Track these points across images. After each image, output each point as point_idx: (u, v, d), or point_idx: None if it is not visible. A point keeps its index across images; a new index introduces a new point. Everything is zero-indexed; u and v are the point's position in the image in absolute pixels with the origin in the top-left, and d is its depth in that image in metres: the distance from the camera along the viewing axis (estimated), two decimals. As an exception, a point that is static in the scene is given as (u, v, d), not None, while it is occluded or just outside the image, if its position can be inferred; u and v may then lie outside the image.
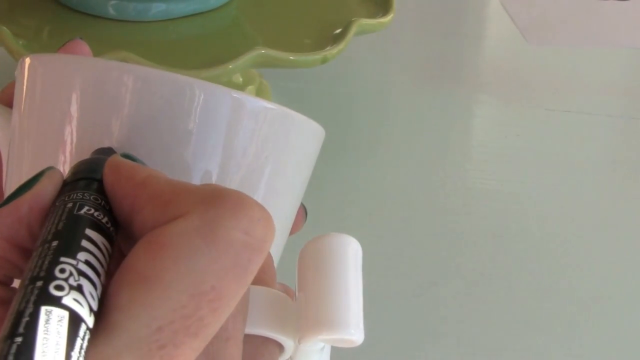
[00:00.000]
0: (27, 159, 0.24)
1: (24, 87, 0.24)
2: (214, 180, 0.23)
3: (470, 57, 0.81)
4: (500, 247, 0.54)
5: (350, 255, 0.23)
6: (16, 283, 0.19)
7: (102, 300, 0.17)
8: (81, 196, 0.19)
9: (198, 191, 0.19)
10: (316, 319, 0.21)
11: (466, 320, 0.48)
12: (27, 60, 0.24)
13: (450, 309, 0.49)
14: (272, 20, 0.59)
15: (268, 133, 0.23)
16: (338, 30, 0.55)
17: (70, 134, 0.23)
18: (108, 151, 0.22)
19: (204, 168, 0.22)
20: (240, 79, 0.61)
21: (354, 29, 0.54)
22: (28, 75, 0.24)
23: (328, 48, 0.53)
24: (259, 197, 0.24)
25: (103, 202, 0.19)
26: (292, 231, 0.28)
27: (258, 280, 0.22)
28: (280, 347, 0.23)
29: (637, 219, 0.58)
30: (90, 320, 0.17)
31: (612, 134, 0.70)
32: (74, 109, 0.23)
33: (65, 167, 0.23)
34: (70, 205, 0.19)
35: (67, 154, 0.23)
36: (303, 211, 0.28)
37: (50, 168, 0.20)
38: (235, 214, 0.18)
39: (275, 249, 0.26)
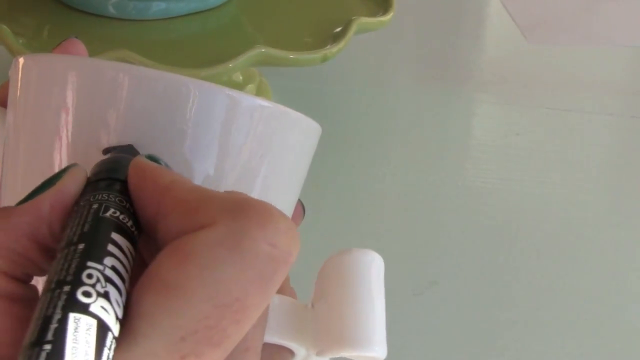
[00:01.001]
0: (22, 159, 0.24)
1: (18, 87, 0.24)
2: (210, 178, 0.23)
3: (471, 56, 0.81)
4: (500, 245, 0.54)
5: (374, 271, 0.23)
6: (35, 280, 0.19)
7: (125, 307, 0.17)
8: (106, 197, 0.19)
9: (225, 200, 0.18)
10: (340, 334, 0.21)
11: (466, 319, 0.48)
12: (21, 60, 0.24)
13: (451, 307, 0.49)
14: (272, 19, 0.59)
15: (264, 131, 0.23)
16: (338, 29, 0.55)
17: (65, 133, 0.22)
18: (129, 149, 0.22)
19: (200, 167, 0.22)
20: (240, 78, 0.61)
21: (354, 28, 0.54)
22: (22, 75, 0.24)
23: (328, 47, 0.53)
24: (255, 195, 0.24)
25: (127, 204, 0.19)
26: None
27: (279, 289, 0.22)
28: (292, 354, 0.22)
29: (637, 218, 0.58)
30: (116, 328, 0.16)
31: (612, 133, 0.70)
32: (68, 108, 0.22)
33: (60, 166, 0.23)
34: (95, 206, 0.19)
35: (62, 154, 0.23)
36: (301, 208, 0.28)
37: (73, 165, 0.20)
38: (262, 225, 0.18)
39: None
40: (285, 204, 0.26)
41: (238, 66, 0.48)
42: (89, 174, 0.20)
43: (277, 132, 0.24)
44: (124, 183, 0.20)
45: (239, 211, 0.18)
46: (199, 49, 0.55)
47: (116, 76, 0.22)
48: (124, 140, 0.22)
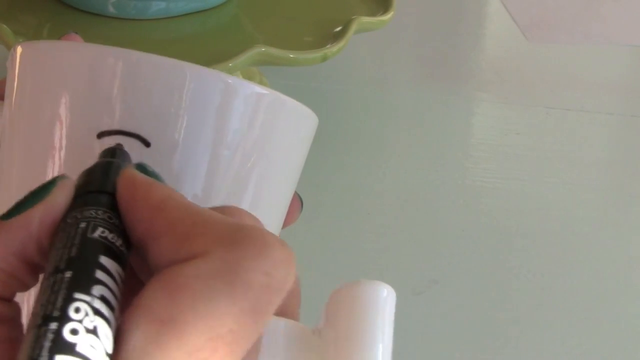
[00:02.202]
0: (19, 146, 0.24)
1: (16, 75, 0.24)
2: (206, 166, 0.23)
3: (471, 55, 0.81)
4: (500, 245, 0.54)
5: (387, 305, 0.23)
6: (18, 297, 0.19)
7: (116, 337, 0.17)
8: (94, 214, 0.18)
9: (219, 226, 0.18)
10: None
11: (466, 318, 0.48)
12: (19, 49, 0.24)
13: (451, 307, 0.49)
14: (273, 18, 0.59)
15: (260, 118, 0.23)
16: (338, 28, 0.55)
17: (62, 121, 0.22)
18: (119, 153, 0.21)
19: (196, 153, 0.22)
20: (241, 77, 0.61)
21: (354, 27, 0.54)
22: (20, 63, 0.24)
23: (328, 46, 0.53)
24: (252, 182, 0.24)
25: (117, 220, 0.18)
26: (287, 222, 0.27)
27: (285, 307, 0.22)
28: None
29: (637, 218, 0.58)
30: None
31: (612, 132, 0.70)
32: (65, 94, 0.22)
33: (57, 154, 0.22)
34: (83, 225, 0.18)
35: (59, 139, 0.22)
36: (298, 201, 0.27)
37: (62, 177, 0.19)
38: (258, 255, 0.17)
39: None
40: (282, 193, 0.26)
41: (238, 65, 0.48)
42: (76, 183, 0.19)
43: (273, 119, 0.24)
44: (113, 196, 0.19)
45: (235, 241, 0.17)
46: (199, 48, 0.55)
47: (113, 61, 0.22)
48: (121, 125, 0.22)
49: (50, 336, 0.16)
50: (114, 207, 0.19)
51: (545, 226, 0.56)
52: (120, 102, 0.22)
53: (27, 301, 0.19)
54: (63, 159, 0.22)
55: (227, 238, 0.18)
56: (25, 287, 0.19)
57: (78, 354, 0.16)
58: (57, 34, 0.55)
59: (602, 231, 0.56)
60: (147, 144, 0.22)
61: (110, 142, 0.22)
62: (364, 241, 0.53)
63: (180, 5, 0.56)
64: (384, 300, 0.22)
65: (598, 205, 0.59)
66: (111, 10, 0.56)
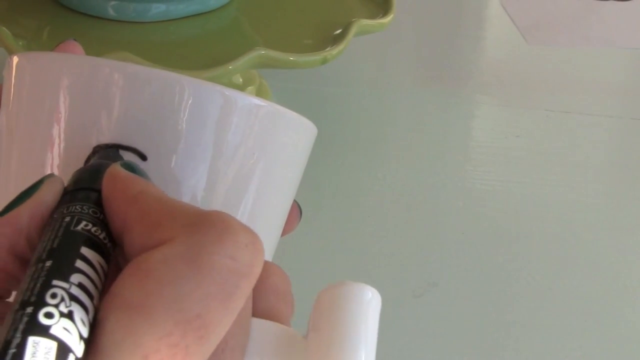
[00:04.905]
0: (15, 157, 0.24)
1: (12, 85, 0.24)
2: (204, 178, 0.23)
3: (470, 57, 0.81)
4: (500, 247, 0.54)
5: (371, 309, 0.22)
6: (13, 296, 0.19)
7: (93, 324, 0.17)
8: (79, 209, 0.19)
9: (184, 215, 0.18)
10: None
11: (466, 320, 0.48)
12: (15, 59, 0.24)
13: (451, 309, 0.49)
14: (272, 21, 0.59)
15: (259, 130, 0.23)
16: (338, 31, 0.55)
17: (58, 132, 0.22)
18: (113, 154, 0.21)
19: (194, 166, 0.22)
20: (240, 80, 0.61)
21: (354, 30, 0.54)
22: (16, 73, 0.24)
23: (328, 49, 0.53)
24: (250, 194, 0.24)
25: (102, 215, 0.19)
26: (286, 230, 0.27)
27: (274, 310, 0.22)
28: None
29: (637, 219, 0.58)
30: (79, 348, 0.16)
31: (611, 135, 0.70)
32: (62, 107, 0.22)
33: (53, 166, 0.23)
34: (67, 219, 0.18)
35: (55, 152, 0.22)
36: (297, 210, 0.27)
37: (50, 175, 0.20)
38: (221, 239, 0.18)
39: (267, 250, 0.26)
40: (280, 204, 0.26)
41: (238, 68, 0.48)
42: (67, 183, 0.20)
43: (272, 131, 0.24)
44: (100, 193, 0.19)
45: (197, 226, 0.18)
46: (198, 51, 0.55)
47: (110, 74, 0.22)
48: (118, 139, 0.22)
49: (25, 319, 0.16)
50: (100, 203, 0.19)
51: (545, 228, 0.56)
52: (116, 116, 0.22)
53: None
54: (61, 170, 0.22)
55: (191, 224, 0.18)
56: (18, 284, 0.19)
57: (51, 336, 0.16)
58: (57, 37, 0.55)
59: (602, 233, 0.56)
60: (143, 157, 0.22)
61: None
62: (364, 244, 0.53)
63: (180, 8, 0.56)
64: (367, 302, 0.21)
65: (598, 207, 0.59)
66: (111, 12, 0.56)
